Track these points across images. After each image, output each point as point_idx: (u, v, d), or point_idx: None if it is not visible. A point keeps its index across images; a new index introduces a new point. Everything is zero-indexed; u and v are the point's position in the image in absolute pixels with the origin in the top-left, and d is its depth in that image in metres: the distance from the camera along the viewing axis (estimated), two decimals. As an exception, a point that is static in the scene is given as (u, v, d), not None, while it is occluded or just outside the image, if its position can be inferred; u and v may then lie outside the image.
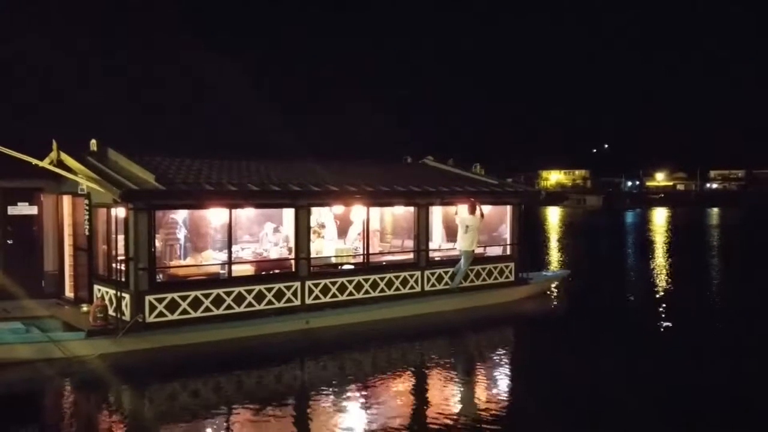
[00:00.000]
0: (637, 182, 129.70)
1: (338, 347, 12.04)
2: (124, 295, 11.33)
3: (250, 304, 12.34)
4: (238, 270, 12.57)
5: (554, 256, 28.05)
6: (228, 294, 12.11)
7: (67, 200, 13.50)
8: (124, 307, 11.34)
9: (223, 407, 9.01)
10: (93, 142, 13.09)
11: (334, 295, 13.39)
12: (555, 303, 16.95)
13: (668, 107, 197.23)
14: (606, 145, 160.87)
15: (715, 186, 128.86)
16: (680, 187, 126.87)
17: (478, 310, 15.02)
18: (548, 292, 17.67)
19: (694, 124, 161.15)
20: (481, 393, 10.00)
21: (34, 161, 12.01)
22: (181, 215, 12.93)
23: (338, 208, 14.53)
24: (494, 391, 10.14)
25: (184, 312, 11.64)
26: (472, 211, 14.78)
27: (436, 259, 15.29)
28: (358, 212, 14.38)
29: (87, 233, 12.55)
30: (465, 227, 14.77)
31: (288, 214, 13.72)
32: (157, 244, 11.83)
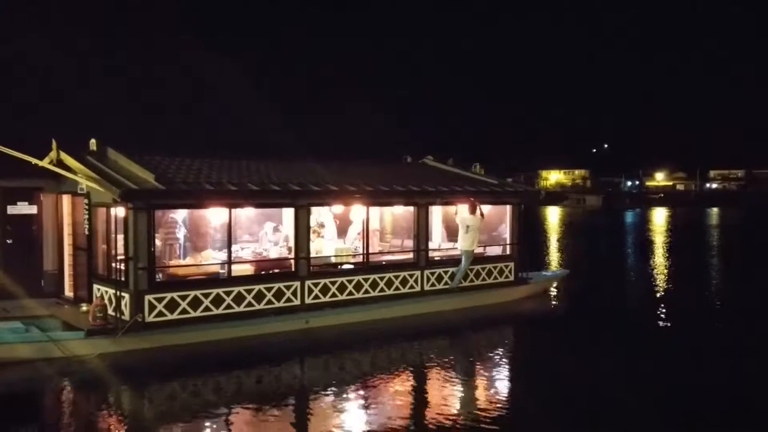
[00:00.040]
0: (637, 182, 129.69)
1: (338, 347, 12.04)
2: (123, 294, 11.33)
3: (249, 304, 12.33)
4: (238, 269, 12.56)
5: (554, 255, 28.05)
6: (228, 293, 12.10)
7: (66, 200, 13.49)
8: (123, 307, 11.33)
9: (223, 407, 9.00)
10: (92, 141, 13.08)
11: (333, 295, 13.39)
12: (555, 303, 16.95)
13: (668, 107, 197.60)
14: (606, 145, 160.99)
15: (714, 186, 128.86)
16: (680, 187, 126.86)
17: (477, 309, 15.01)
18: (548, 292, 17.67)
19: (694, 124, 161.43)
20: (480, 393, 9.99)
21: (34, 161, 12.01)
22: (180, 215, 12.92)
23: (338, 208, 14.53)
24: (494, 390, 10.13)
25: (184, 311, 11.63)
26: (473, 211, 14.78)
27: (436, 258, 15.28)
28: (357, 212, 14.37)
29: (86, 233, 12.55)
30: (465, 227, 14.77)
31: (288, 214, 13.71)
32: (157, 243, 11.82)
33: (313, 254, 13.45)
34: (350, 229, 15.21)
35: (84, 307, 12.01)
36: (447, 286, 14.94)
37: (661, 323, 14.67)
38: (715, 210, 74.66)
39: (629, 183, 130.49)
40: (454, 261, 15.14)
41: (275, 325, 12.50)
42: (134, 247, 11.21)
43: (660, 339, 13.29)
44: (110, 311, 11.36)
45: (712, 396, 9.58)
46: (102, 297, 11.69)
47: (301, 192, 13.02)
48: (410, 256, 14.87)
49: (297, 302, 12.91)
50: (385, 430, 8.14)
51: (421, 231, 14.81)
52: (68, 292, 13.41)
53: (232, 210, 12.39)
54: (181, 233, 13.01)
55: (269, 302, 12.57)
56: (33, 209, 13.40)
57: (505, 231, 16.73)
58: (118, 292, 11.35)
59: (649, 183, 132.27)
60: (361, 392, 9.69)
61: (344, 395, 9.52)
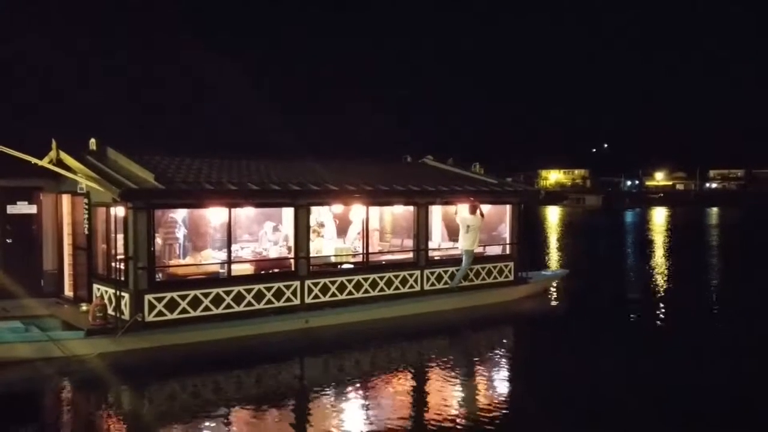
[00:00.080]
0: (637, 182, 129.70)
1: (338, 346, 12.03)
2: (123, 294, 11.32)
3: (249, 304, 12.33)
4: (238, 269, 12.56)
5: (553, 255, 28.05)
6: (227, 293, 12.10)
7: (66, 199, 13.49)
8: (123, 307, 11.33)
9: (223, 407, 8.99)
10: (92, 141, 13.08)
11: (333, 295, 13.38)
12: (554, 302, 16.94)
13: (668, 107, 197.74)
14: (606, 145, 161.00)
15: (714, 186, 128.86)
16: (680, 186, 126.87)
17: (477, 309, 15.01)
18: (547, 292, 17.67)
19: (694, 124, 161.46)
20: (480, 392, 9.98)
21: (34, 160, 12.00)
22: (180, 214, 12.92)
23: (338, 208, 14.53)
24: (494, 390, 10.12)
25: (184, 311, 11.62)
26: (473, 211, 14.79)
27: (436, 258, 15.28)
28: (357, 211, 14.36)
29: (86, 232, 12.54)
30: (466, 227, 14.78)
31: (287, 214, 13.71)
32: (157, 243, 11.81)
33: (312, 254, 13.45)
34: (350, 228, 15.20)
35: (84, 307, 12.01)
36: (447, 286, 14.94)
37: (661, 323, 14.66)
38: (714, 210, 74.68)
39: (629, 183, 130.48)
40: (454, 261, 15.14)
41: (275, 325, 12.50)
42: (134, 246, 11.21)
43: (660, 339, 13.29)
44: (110, 311, 11.35)
45: (712, 396, 9.58)
46: (102, 297, 11.68)
47: (300, 192, 13.01)
48: (410, 255, 14.86)
49: (297, 302, 12.91)
50: (384, 429, 8.13)
51: (420, 230, 14.81)
52: (68, 292, 13.41)
53: (232, 209, 12.39)
54: (180, 233, 13.01)
55: (269, 302, 12.56)
56: (33, 209, 13.39)
57: (505, 231, 16.73)
58: (117, 292, 11.34)
59: (648, 183, 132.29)
60: (361, 392, 9.69)
61: (344, 395, 9.52)
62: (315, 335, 12.61)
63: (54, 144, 12.63)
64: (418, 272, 14.63)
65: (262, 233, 14.47)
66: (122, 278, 11.40)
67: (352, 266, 14.10)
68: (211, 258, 12.89)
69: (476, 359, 11.66)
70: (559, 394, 9.65)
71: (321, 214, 14.65)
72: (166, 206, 12.15)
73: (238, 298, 12.20)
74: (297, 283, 12.93)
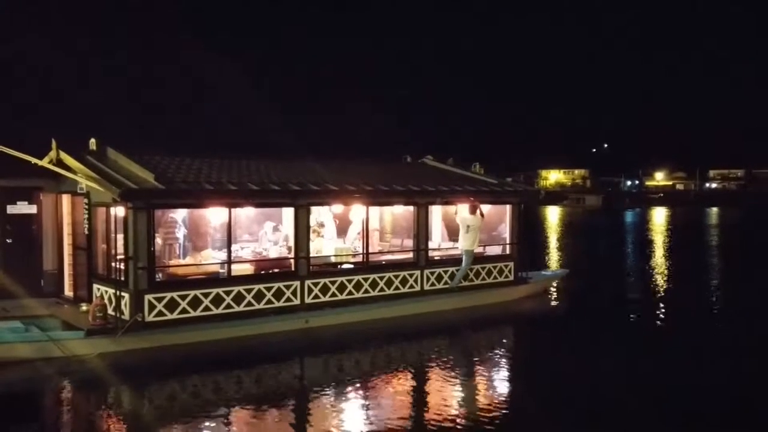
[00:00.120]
0: (637, 182, 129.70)
1: (338, 346, 12.03)
2: (123, 294, 11.32)
3: (249, 304, 12.33)
4: (238, 269, 12.55)
5: (553, 255, 28.04)
6: (227, 293, 12.09)
7: (66, 199, 13.49)
8: (123, 306, 11.33)
9: (223, 406, 8.99)
10: (92, 141, 13.08)
11: (333, 295, 13.38)
12: (554, 302, 16.94)
13: (668, 107, 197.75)
14: (606, 145, 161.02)
15: (714, 186, 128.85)
16: (679, 186, 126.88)
17: (477, 309, 15.00)
18: (547, 292, 17.67)
19: (694, 124, 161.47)
20: (480, 392, 9.97)
21: (34, 160, 11.99)
22: (180, 214, 12.92)
23: (338, 208, 14.53)
24: (494, 390, 10.12)
25: (184, 311, 11.62)
26: (473, 211, 14.79)
27: (436, 258, 15.28)
28: (357, 211, 14.36)
29: (86, 232, 12.54)
30: (466, 227, 14.78)
31: (287, 214, 13.71)
32: (157, 243, 11.81)
33: (312, 254, 13.45)
34: (350, 228, 15.20)
35: (84, 307, 12.01)
36: (447, 286, 14.93)
37: (661, 323, 14.66)
38: (714, 210, 74.69)
39: (629, 183, 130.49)
40: (454, 260, 15.13)
41: (275, 325, 12.50)
42: (134, 246, 11.20)
43: (660, 339, 13.29)
44: (110, 311, 11.35)
45: (712, 396, 9.58)
46: (102, 296, 11.68)
47: (300, 192, 13.01)
48: (410, 255, 14.86)
49: (297, 302, 12.91)
50: (384, 429, 8.13)
51: (420, 230, 14.81)
52: (68, 292, 13.41)
53: (232, 209, 12.38)
54: (180, 233, 13.01)
55: (269, 302, 12.56)
56: (33, 209, 13.38)
57: (505, 231, 16.72)
58: (117, 292, 11.34)
59: (648, 183, 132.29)
60: (361, 392, 9.69)
61: (344, 395, 9.52)
62: (315, 335, 12.61)
63: (54, 144, 12.63)
64: (418, 272, 14.63)
65: (262, 233, 14.47)
66: (122, 278, 11.40)
67: (352, 266, 14.09)
68: (211, 258, 12.89)
69: (476, 359, 11.66)
70: (559, 394, 9.65)
71: (321, 214, 14.65)
72: (166, 206, 12.14)
73: (238, 298, 12.20)
74: (297, 283, 12.93)
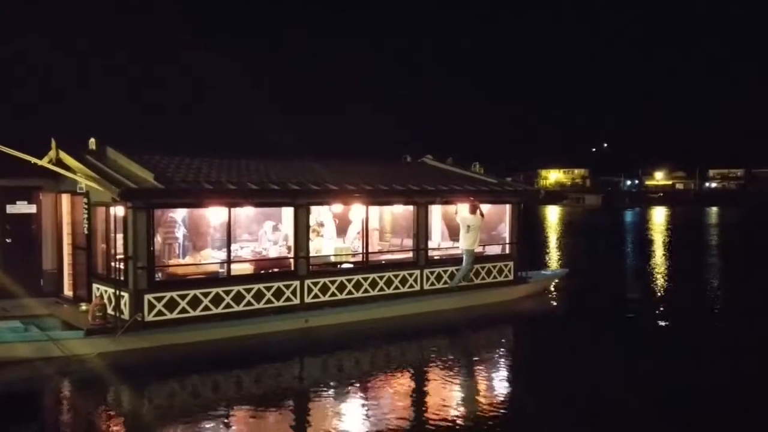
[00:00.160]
0: (636, 181, 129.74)
1: (337, 346, 12.02)
2: (123, 293, 11.31)
3: (249, 303, 12.32)
4: (237, 269, 12.55)
5: (553, 255, 28.04)
6: (227, 293, 12.09)
7: (65, 199, 13.48)
8: (123, 306, 11.32)
9: (222, 406, 8.98)
10: (92, 140, 13.08)
11: (333, 294, 13.37)
12: (554, 302, 16.94)
13: (668, 107, 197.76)
14: (605, 144, 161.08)
15: (714, 185, 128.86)
16: (679, 186, 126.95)
17: (477, 308, 15.00)
18: (547, 291, 17.66)
19: (694, 124, 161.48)
20: (480, 392, 9.97)
21: (33, 160, 11.98)
22: (180, 214, 12.90)
23: (337, 207, 14.52)
24: (494, 390, 10.11)
25: (183, 311, 11.61)
26: (473, 211, 14.78)
27: (436, 257, 15.27)
28: (357, 211, 14.36)
29: (86, 232, 12.53)
30: (467, 227, 14.77)
31: (287, 213, 13.69)
32: (156, 242, 11.80)
33: (312, 253, 13.44)
34: (350, 228, 15.19)
35: (83, 307, 12.00)
36: (447, 285, 14.93)
37: (661, 323, 14.65)
38: (714, 209, 74.74)
39: (629, 182, 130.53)
40: (453, 260, 15.13)
41: (275, 325, 12.49)
42: (133, 246, 11.20)
43: (660, 339, 13.28)
44: (109, 310, 11.34)
45: (712, 396, 9.57)
46: (101, 296, 11.67)
47: (300, 191, 13.00)
48: (410, 255, 14.85)
49: (296, 301, 12.90)
50: (384, 429, 8.13)
51: (420, 230, 14.80)
52: (67, 292, 13.40)
53: (232, 209, 12.37)
54: (180, 232, 12.99)
55: (268, 301, 12.56)
56: (32, 208, 13.38)
57: (505, 230, 16.72)
58: (117, 292, 11.34)
59: (648, 182, 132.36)
60: (361, 392, 9.69)
61: (343, 395, 9.52)
62: (314, 335, 12.61)
63: (53, 143, 12.62)
64: (417, 272, 14.62)
65: (262, 233, 14.46)
66: (122, 278, 11.39)
67: (351, 266, 14.08)
68: (211, 258, 12.88)
69: (476, 359, 11.65)
70: (559, 394, 9.64)
71: (321, 214, 14.65)
72: (165, 206, 12.13)
73: (238, 298, 12.19)
74: (296, 283, 12.92)
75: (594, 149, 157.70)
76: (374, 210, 15.06)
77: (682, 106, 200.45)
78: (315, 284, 13.14)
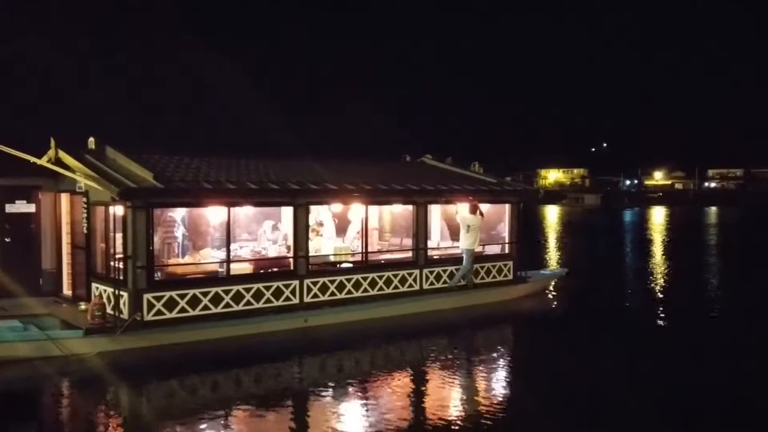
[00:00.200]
0: (636, 181, 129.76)
1: (337, 345, 12.01)
2: (122, 293, 11.30)
3: (248, 303, 12.30)
4: (237, 268, 12.53)
5: (552, 254, 28.03)
6: (226, 292, 12.07)
7: (65, 198, 13.46)
8: (122, 306, 11.31)
9: (222, 406, 8.96)
10: (91, 140, 13.07)
11: (332, 294, 13.36)
12: (553, 302, 16.93)
13: (668, 107, 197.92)
14: (605, 144, 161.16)
15: (713, 185, 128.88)
16: (678, 186, 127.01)
17: (476, 308, 14.99)
18: (546, 291, 17.65)
19: (694, 124, 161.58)
20: (480, 392, 9.96)
21: (32, 159, 11.96)
22: (179, 213, 12.88)
23: (337, 207, 14.51)
24: (493, 390, 10.10)
25: (183, 310, 11.60)
26: (473, 211, 14.78)
27: (435, 257, 15.26)
28: (356, 210, 14.34)
29: (85, 231, 12.52)
30: (467, 227, 14.77)
31: (287, 213, 13.68)
32: (156, 242, 11.78)
33: (312, 253, 13.42)
34: (349, 227, 15.18)
35: (82, 306, 11.99)
36: (446, 285, 14.92)
37: (661, 323, 14.64)
38: (713, 209, 74.76)
39: (628, 182, 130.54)
40: (453, 260, 15.12)
41: (274, 324, 12.47)
42: (133, 245, 11.18)
43: (660, 339, 13.27)
44: (109, 310, 11.32)
45: (712, 396, 9.56)
46: (100, 295, 11.66)
47: (299, 191, 12.98)
48: (409, 254, 14.84)
49: (296, 301, 12.89)
50: (383, 429, 8.11)
51: (420, 230, 14.79)
52: (67, 291, 13.38)
53: (231, 208, 12.36)
54: (179, 232, 12.97)
55: (268, 301, 12.54)
56: (31, 208, 13.36)
57: (504, 230, 16.71)
58: (116, 291, 11.32)
59: (647, 182, 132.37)
60: (360, 391, 9.67)
61: (343, 394, 9.50)
62: (314, 334, 12.59)
63: (53, 142, 12.60)
64: (417, 271, 14.61)
65: (261, 232, 14.44)
66: (121, 277, 11.37)
67: (351, 265, 14.07)
68: (210, 257, 12.86)
69: (475, 358, 11.64)
70: (559, 394, 9.63)
71: (320, 213, 14.63)
72: (164, 205, 12.11)
73: (237, 297, 12.18)
74: (296, 282, 12.91)
75: (593, 149, 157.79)
76: (373, 209, 15.05)
77: (682, 106, 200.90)
78: (314, 284, 13.13)
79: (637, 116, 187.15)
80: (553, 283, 18.27)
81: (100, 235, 12.42)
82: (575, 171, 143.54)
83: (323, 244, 14.45)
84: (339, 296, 13.44)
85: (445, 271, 14.98)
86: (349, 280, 13.62)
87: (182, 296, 11.59)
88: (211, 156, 14.73)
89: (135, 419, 8.55)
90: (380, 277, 14.02)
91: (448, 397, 9.54)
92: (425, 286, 14.71)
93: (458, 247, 15.21)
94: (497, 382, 10.55)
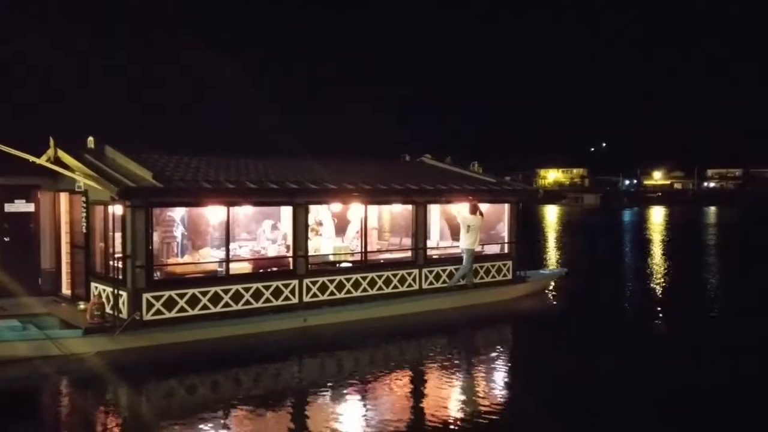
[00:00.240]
0: (635, 181, 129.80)
1: (336, 345, 12.00)
2: (121, 292, 11.29)
3: (247, 302, 12.29)
4: (236, 268, 12.52)
5: (552, 254, 28.02)
6: (225, 292, 12.06)
7: (64, 197, 13.44)
8: (121, 305, 11.30)
9: (221, 405, 8.95)
10: (90, 139, 13.05)
11: (331, 293, 13.35)
12: (553, 301, 16.92)
13: (668, 107, 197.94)
14: (604, 144, 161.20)
15: (712, 185, 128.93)
16: (677, 185, 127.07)
17: (476, 308, 14.98)
18: (546, 291, 17.64)
19: (694, 124, 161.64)
20: (479, 392, 9.94)
21: (32, 158, 11.95)
22: (178, 213, 12.87)
23: (336, 206, 14.49)
24: (493, 390, 10.09)
25: (182, 310, 11.59)
26: (473, 211, 14.78)
27: (434, 257, 15.25)
28: (356, 210, 14.34)
29: (84, 231, 12.51)
30: (467, 227, 14.77)
31: (286, 212, 13.67)
32: (155, 241, 11.77)
33: (311, 252, 13.41)
34: (348, 227, 15.16)
35: (81, 305, 11.97)
36: (445, 284, 14.91)
37: (660, 323, 14.63)
38: (712, 209, 74.79)
39: (627, 182, 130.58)
40: (452, 259, 15.11)
41: (273, 324, 12.46)
42: (132, 245, 11.17)
43: (660, 339, 13.26)
44: (108, 309, 11.31)
45: (712, 396, 9.55)
46: (100, 295, 11.65)
47: (299, 190, 12.97)
48: (408, 254, 14.83)
49: (295, 300, 12.87)
50: (383, 429, 8.10)
51: (419, 229, 14.78)
52: (66, 290, 13.37)
53: (230, 208, 12.34)
54: (178, 231, 12.96)
55: (267, 300, 12.53)
56: (30, 207, 13.35)
57: (504, 229, 16.70)
58: (115, 290, 11.31)
59: (646, 182, 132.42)
60: (359, 391, 9.65)
61: (342, 394, 9.49)
62: (313, 334, 12.58)
63: (52, 142, 12.59)
64: (416, 271, 14.60)
65: (261, 232, 14.43)
66: (120, 277, 11.36)
67: (350, 265, 14.06)
68: (210, 256, 12.85)
69: (475, 358, 11.63)
70: (558, 393, 9.62)
71: (319, 213, 14.62)
72: (164, 204, 12.10)
73: (237, 297, 12.17)
74: (295, 282, 12.89)
75: (593, 149, 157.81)
76: (373, 209, 15.03)
77: (682, 106, 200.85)
78: (314, 283, 13.12)
79: (637, 116, 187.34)
80: (552, 283, 18.26)
81: (99, 234, 12.41)
82: (574, 171, 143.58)
83: (322, 243, 14.44)
84: (338, 296, 13.43)
85: (444, 270, 14.98)
86: (348, 280, 13.61)
87: (181, 296, 11.58)
88: (210, 156, 14.71)
89: (134, 419, 8.53)
90: (379, 277, 14.01)
91: (447, 397, 9.53)
92: (424, 286, 14.70)
93: (457, 246, 15.21)
94: (497, 382, 10.53)
